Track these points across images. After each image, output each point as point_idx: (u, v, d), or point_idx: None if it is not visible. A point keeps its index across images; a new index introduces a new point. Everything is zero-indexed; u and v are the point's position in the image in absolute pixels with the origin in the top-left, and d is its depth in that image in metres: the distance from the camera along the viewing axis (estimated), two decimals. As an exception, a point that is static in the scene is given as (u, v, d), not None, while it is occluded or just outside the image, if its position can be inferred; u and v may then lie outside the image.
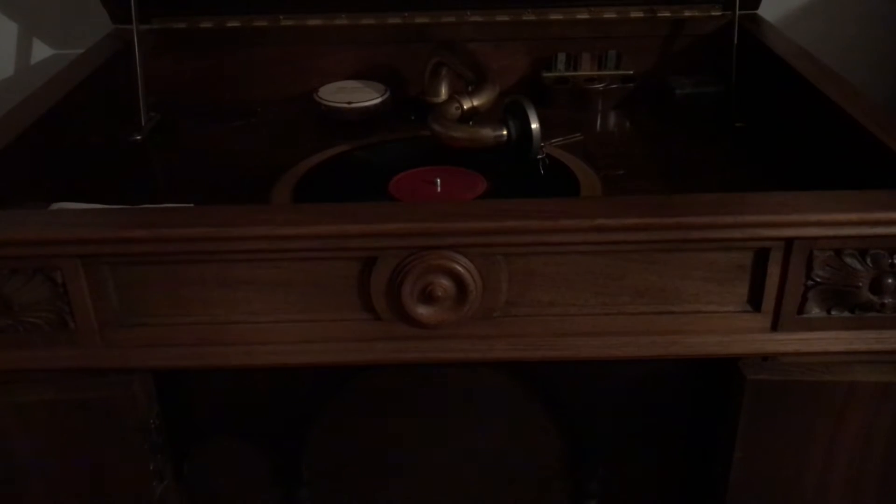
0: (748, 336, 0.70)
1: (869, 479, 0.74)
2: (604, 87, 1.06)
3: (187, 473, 0.80)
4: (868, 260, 0.66)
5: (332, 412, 0.78)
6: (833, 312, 0.69)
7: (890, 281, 0.66)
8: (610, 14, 1.07)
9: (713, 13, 1.07)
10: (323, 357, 0.70)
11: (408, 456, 0.81)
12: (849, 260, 0.66)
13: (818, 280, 0.67)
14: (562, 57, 1.08)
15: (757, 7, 1.09)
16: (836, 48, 1.14)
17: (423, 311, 0.68)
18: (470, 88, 0.92)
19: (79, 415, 0.71)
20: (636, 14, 1.07)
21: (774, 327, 0.69)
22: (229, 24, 1.07)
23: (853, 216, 0.64)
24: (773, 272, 0.67)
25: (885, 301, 0.67)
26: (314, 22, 1.07)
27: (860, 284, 0.67)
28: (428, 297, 0.67)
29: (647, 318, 0.69)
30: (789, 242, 0.66)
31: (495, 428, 0.80)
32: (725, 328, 0.70)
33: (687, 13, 1.07)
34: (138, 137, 0.99)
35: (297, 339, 0.70)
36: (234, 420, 0.79)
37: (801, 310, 0.68)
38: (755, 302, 0.69)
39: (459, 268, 0.66)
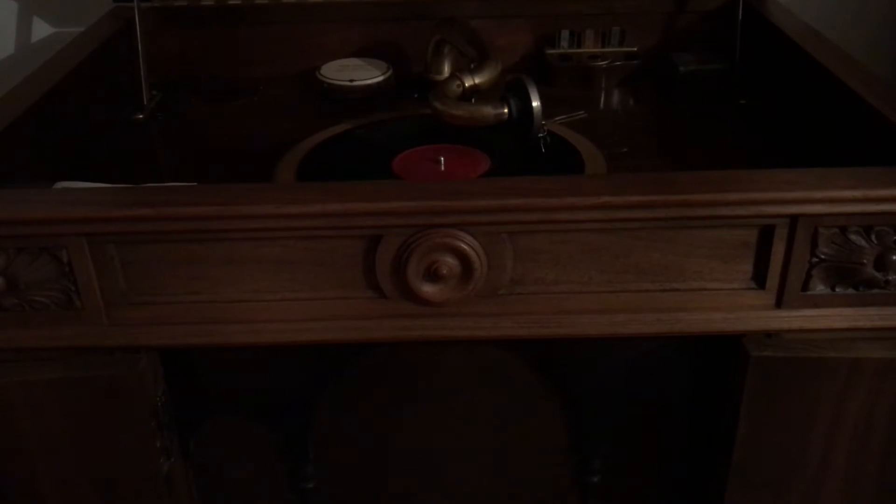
0: (752, 313, 0.70)
1: (871, 454, 0.75)
2: (607, 65, 1.06)
3: (194, 451, 0.81)
4: (873, 237, 0.66)
5: (337, 390, 0.79)
6: (837, 289, 0.69)
7: (894, 258, 0.67)
8: (614, -10, 1.07)
9: (717, -11, 1.07)
10: (328, 335, 0.70)
11: (413, 432, 0.82)
12: (853, 237, 0.66)
13: (823, 257, 0.67)
14: (565, 34, 1.08)
15: (761, -17, 1.08)
16: (839, 24, 1.14)
17: (428, 289, 0.68)
18: (472, 66, 0.92)
19: (86, 393, 0.71)
20: (640, -10, 1.07)
21: (779, 304, 0.69)
22: (230, 2, 1.06)
23: (858, 193, 0.64)
24: (778, 249, 0.67)
25: (890, 278, 0.68)
26: (315, -1, 1.07)
27: (865, 261, 0.67)
28: (433, 275, 0.67)
29: (652, 296, 0.69)
30: (794, 220, 0.66)
31: (499, 405, 0.80)
32: (730, 305, 0.70)
33: (691, -11, 1.07)
34: (140, 116, 0.99)
35: (302, 317, 0.70)
36: (240, 398, 0.79)
37: (805, 287, 0.69)
38: (760, 279, 0.69)
39: (464, 246, 0.66)
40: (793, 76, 0.93)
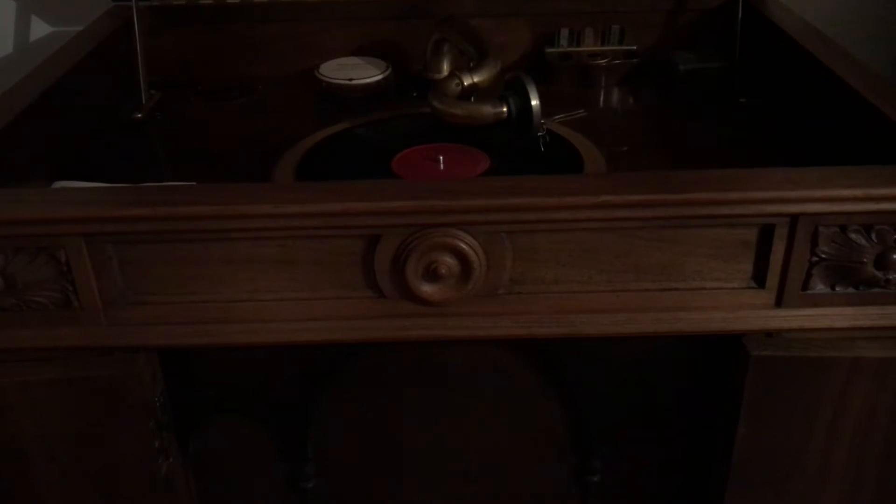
0: (752, 312, 0.70)
1: (871, 454, 0.75)
2: (607, 63, 1.06)
3: (192, 451, 0.81)
4: (873, 236, 0.66)
5: (336, 390, 0.78)
6: (837, 288, 0.69)
7: (895, 257, 0.66)
8: (613, -12, 1.06)
9: (717, -13, 1.07)
10: (327, 335, 0.70)
11: (411, 432, 0.82)
12: (854, 236, 0.66)
13: (823, 256, 0.67)
14: (565, 32, 1.07)
15: (761, -19, 1.08)
16: (839, 22, 1.13)
17: (427, 288, 0.68)
18: (471, 65, 0.92)
19: (84, 393, 0.71)
20: (640, -12, 1.07)
21: (779, 303, 0.69)
22: (229, 1, 1.06)
23: (858, 192, 0.64)
24: (778, 248, 0.67)
25: (890, 277, 0.67)
26: (314, -3, 1.06)
27: (865, 260, 0.67)
28: (432, 274, 0.67)
29: (652, 295, 0.69)
30: (794, 219, 0.65)
31: (498, 405, 0.80)
32: (730, 304, 0.70)
33: (691, -13, 1.07)
34: (139, 115, 0.99)
35: (301, 317, 0.70)
36: (239, 397, 0.79)
37: (805, 286, 0.68)
38: (760, 278, 0.69)
39: (464, 245, 0.66)
40: (793, 74, 0.93)
